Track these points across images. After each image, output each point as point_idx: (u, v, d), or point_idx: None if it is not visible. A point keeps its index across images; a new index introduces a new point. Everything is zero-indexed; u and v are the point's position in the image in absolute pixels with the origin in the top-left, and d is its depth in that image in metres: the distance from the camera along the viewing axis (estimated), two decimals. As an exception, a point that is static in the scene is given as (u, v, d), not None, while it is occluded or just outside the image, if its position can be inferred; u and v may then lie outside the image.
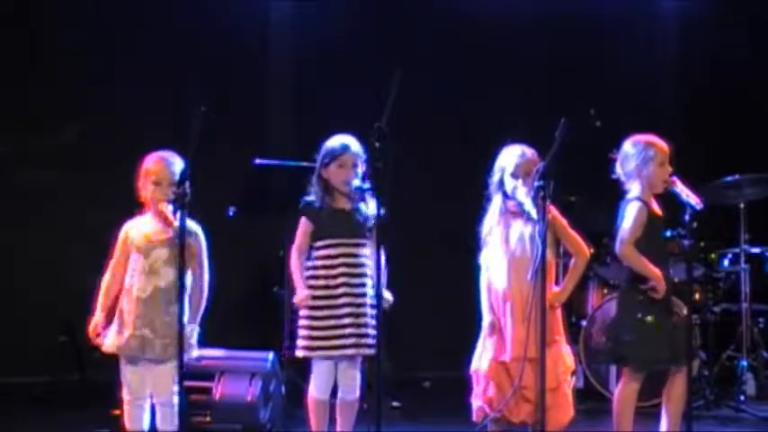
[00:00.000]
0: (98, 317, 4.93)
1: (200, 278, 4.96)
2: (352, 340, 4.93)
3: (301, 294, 4.97)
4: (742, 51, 8.42)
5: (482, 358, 5.06)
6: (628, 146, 5.17)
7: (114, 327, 4.92)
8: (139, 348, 4.85)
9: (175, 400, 4.84)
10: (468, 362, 5.16)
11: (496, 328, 5.03)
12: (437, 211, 7.73)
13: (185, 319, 4.72)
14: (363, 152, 4.95)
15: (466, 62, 8.40)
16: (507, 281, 5.02)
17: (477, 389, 5.08)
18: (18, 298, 7.91)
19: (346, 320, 4.94)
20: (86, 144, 8.11)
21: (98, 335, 4.91)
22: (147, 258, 4.91)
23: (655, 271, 5.02)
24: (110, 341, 4.91)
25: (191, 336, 4.88)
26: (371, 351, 4.96)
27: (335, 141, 5.05)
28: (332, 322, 4.94)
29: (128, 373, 4.92)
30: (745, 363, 7.11)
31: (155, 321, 4.85)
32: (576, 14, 8.47)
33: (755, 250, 7.27)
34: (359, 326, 4.95)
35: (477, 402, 5.08)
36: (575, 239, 5.11)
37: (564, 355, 5.01)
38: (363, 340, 4.95)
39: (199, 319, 4.96)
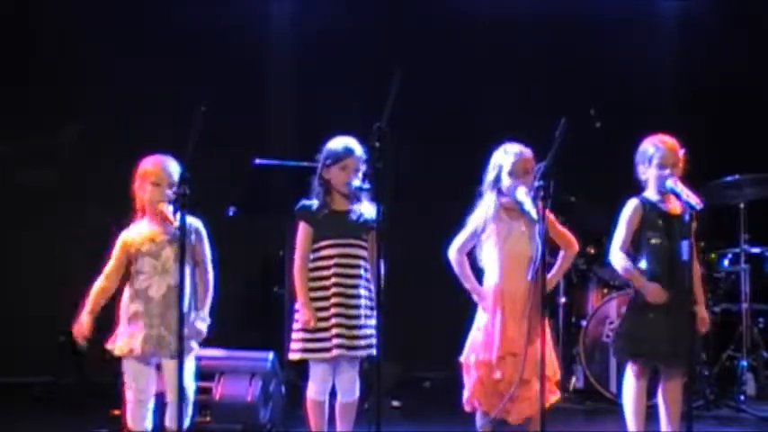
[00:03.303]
0: (86, 319, 4.91)
1: (204, 272, 5.02)
2: (335, 342, 4.90)
3: (305, 316, 4.94)
4: (742, 51, 8.42)
5: (471, 354, 5.06)
6: (641, 145, 5.19)
7: (124, 330, 4.92)
8: (157, 347, 4.86)
9: (190, 396, 4.89)
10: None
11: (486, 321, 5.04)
12: (437, 211, 7.73)
13: (192, 314, 4.90)
14: (365, 154, 4.95)
15: (466, 62, 8.41)
16: (500, 278, 5.02)
17: (466, 379, 5.09)
18: (18, 298, 7.91)
19: (333, 321, 4.91)
20: (86, 144, 8.11)
21: (85, 337, 4.90)
22: (157, 259, 4.93)
23: (640, 280, 5.05)
24: (122, 344, 4.91)
25: (196, 323, 4.93)
26: (361, 353, 4.94)
27: (339, 144, 5.04)
28: (320, 324, 4.92)
29: (135, 374, 4.92)
30: (745, 363, 7.11)
31: (170, 319, 4.85)
32: (576, 14, 8.48)
33: (755, 250, 7.27)
34: (349, 327, 4.92)
35: (466, 393, 5.10)
36: (563, 233, 5.16)
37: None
38: (351, 342, 4.91)
39: (207, 309, 5.01)
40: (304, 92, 8.37)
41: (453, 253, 5.14)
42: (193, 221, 4.93)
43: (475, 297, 5.10)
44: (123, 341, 4.92)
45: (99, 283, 4.99)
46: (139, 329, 4.89)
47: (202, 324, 4.98)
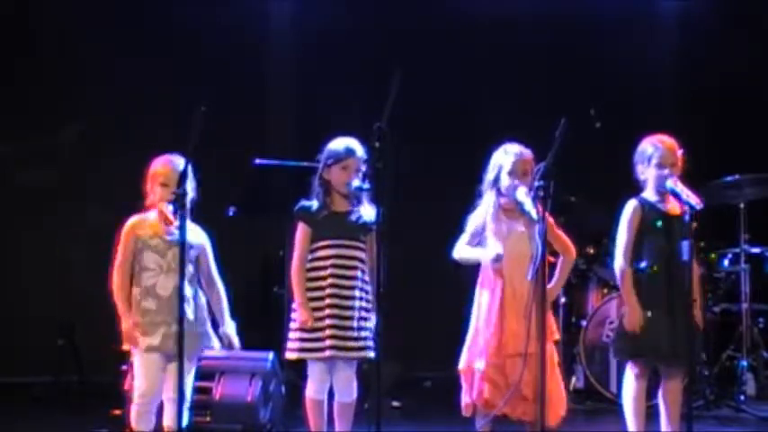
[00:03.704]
0: (130, 320, 4.89)
1: (213, 285, 5.05)
2: (328, 342, 4.89)
3: (303, 316, 4.94)
4: (742, 51, 8.43)
5: (475, 358, 5.05)
6: (640, 145, 5.19)
7: (140, 327, 4.90)
8: (175, 345, 4.83)
9: (187, 395, 4.88)
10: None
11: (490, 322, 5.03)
12: (437, 211, 7.73)
13: (195, 316, 4.95)
14: (366, 155, 4.95)
15: (466, 62, 8.41)
16: (501, 278, 5.01)
17: (467, 386, 5.07)
18: (18, 298, 7.91)
19: (328, 322, 4.91)
20: (86, 144, 8.11)
21: (137, 343, 4.89)
22: (164, 257, 4.94)
23: (630, 299, 5.05)
24: (142, 342, 4.89)
25: (229, 334, 5.04)
26: (356, 354, 4.93)
27: (340, 144, 5.04)
28: (315, 324, 4.92)
29: (148, 372, 4.89)
30: (745, 363, 7.10)
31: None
32: (576, 14, 8.48)
33: (755, 250, 7.26)
34: (342, 328, 4.91)
35: (466, 399, 5.08)
36: (562, 238, 5.15)
37: (554, 349, 5.05)
38: (344, 343, 4.91)
39: (228, 315, 5.06)
40: (304, 92, 8.37)
41: (457, 253, 5.14)
42: (194, 228, 4.96)
43: (487, 257, 5.02)
44: (141, 339, 4.89)
45: (118, 280, 4.94)
46: (157, 327, 4.88)
47: (232, 332, 5.06)
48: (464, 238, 5.14)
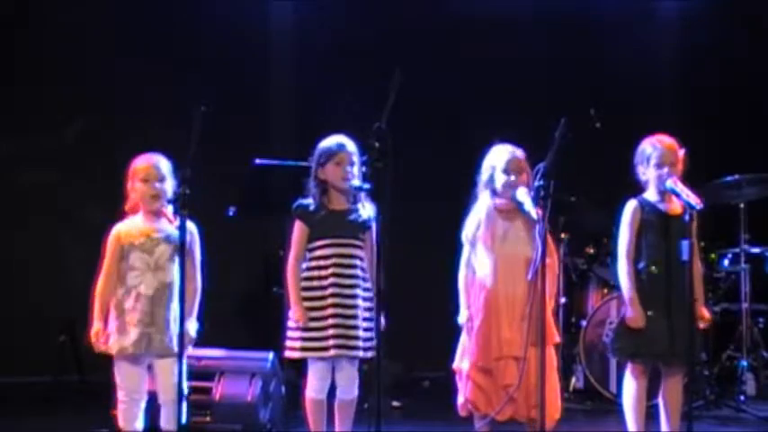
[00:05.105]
0: (99, 325, 4.91)
1: (193, 277, 4.98)
2: (332, 342, 4.90)
3: (296, 314, 4.95)
4: (742, 51, 8.43)
5: (463, 358, 5.06)
6: (640, 146, 5.19)
7: (115, 328, 4.91)
8: (145, 346, 4.86)
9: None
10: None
11: (472, 326, 5.03)
12: (437, 211, 7.72)
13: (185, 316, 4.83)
14: (358, 151, 4.96)
15: (466, 62, 8.40)
16: (495, 281, 5.01)
17: (460, 385, 5.09)
18: (18, 298, 7.91)
19: (331, 321, 4.91)
20: (86, 144, 8.11)
21: (103, 342, 4.91)
22: (151, 255, 4.94)
23: (633, 299, 5.05)
24: (113, 343, 4.90)
25: (189, 331, 4.92)
26: (358, 353, 4.94)
27: (330, 141, 5.06)
28: (318, 324, 4.93)
29: (126, 373, 4.92)
30: (745, 363, 7.11)
31: (158, 318, 4.87)
32: (576, 14, 8.48)
33: (755, 250, 7.27)
34: (346, 327, 4.92)
35: (460, 398, 5.10)
36: (548, 242, 5.14)
37: (553, 353, 5.04)
38: (349, 342, 4.91)
39: (195, 313, 4.99)
40: (304, 92, 8.37)
41: (462, 270, 5.12)
42: (188, 225, 4.95)
43: (463, 314, 5.08)
44: (114, 339, 4.90)
45: (102, 285, 4.97)
46: (132, 327, 4.88)
47: (193, 330, 4.98)
48: (465, 253, 5.12)
